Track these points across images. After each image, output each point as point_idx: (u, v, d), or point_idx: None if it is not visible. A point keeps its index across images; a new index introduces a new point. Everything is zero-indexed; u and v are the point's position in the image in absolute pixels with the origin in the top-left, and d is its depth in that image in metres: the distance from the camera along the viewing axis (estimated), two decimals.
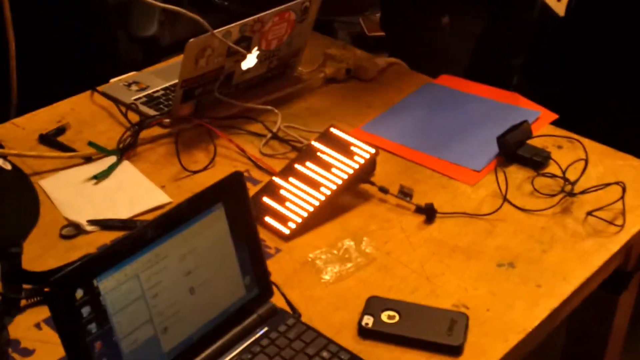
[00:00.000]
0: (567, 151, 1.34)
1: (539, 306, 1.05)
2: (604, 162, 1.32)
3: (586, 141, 1.35)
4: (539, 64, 1.90)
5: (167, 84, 1.54)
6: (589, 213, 1.20)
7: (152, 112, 1.44)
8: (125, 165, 1.32)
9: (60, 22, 1.75)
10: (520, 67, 1.93)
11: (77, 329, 0.84)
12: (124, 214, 1.20)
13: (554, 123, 1.42)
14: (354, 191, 1.25)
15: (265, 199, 1.22)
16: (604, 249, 1.15)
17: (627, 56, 1.67)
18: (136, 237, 0.89)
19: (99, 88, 1.52)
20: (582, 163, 1.26)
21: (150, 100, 1.49)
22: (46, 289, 0.82)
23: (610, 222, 1.19)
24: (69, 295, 0.83)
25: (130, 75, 1.58)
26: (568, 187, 1.24)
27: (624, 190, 1.21)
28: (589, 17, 1.77)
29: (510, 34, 1.87)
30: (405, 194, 1.23)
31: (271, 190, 1.23)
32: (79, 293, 0.84)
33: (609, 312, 1.32)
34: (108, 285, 0.86)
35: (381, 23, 2.00)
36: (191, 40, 1.30)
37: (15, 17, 1.56)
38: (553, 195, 1.24)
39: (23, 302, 1.04)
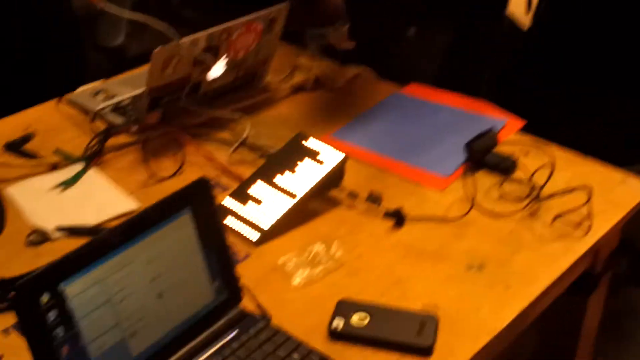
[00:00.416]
0: (534, 157, 1.36)
1: (507, 307, 1.05)
2: (571, 167, 1.33)
3: (553, 147, 1.37)
4: (507, 76, 1.92)
5: (133, 93, 1.52)
6: (556, 217, 1.21)
7: (119, 121, 1.43)
8: (92, 172, 1.31)
9: (28, 31, 1.74)
10: (488, 79, 1.95)
11: (43, 334, 0.83)
12: (91, 220, 1.19)
13: (523, 130, 1.44)
14: (324, 197, 1.25)
15: (234, 205, 1.21)
16: (570, 252, 1.16)
17: (593, 61, 1.70)
18: (102, 241, 0.88)
19: (66, 96, 1.51)
20: (549, 168, 1.28)
21: (117, 109, 1.48)
22: (12, 294, 0.81)
23: (577, 226, 1.20)
24: (35, 299, 0.82)
25: (97, 84, 1.57)
26: (535, 192, 1.25)
27: (590, 194, 1.23)
28: (555, 26, 1.80)
29: (477, 47, 1.89)
30: (374, 199, 1.24)
31: (240, 196, 1.23)
32: (45, 297, 0.83)
33: (579, 314, 1.33)
34: (74, 290, 0.85)
35: (350, 33, 2.01)
36: (158, 48, 1.30)
37: None
38: (520, 200, 1.25)
39: None
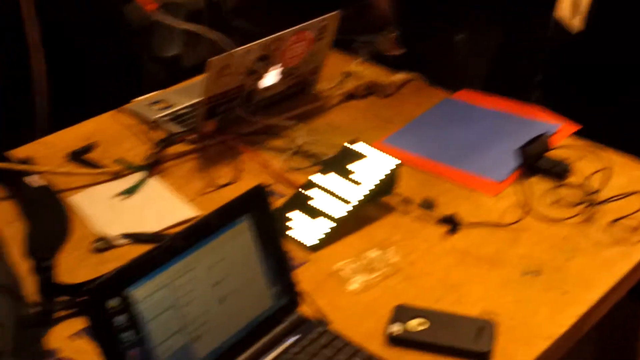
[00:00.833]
0: (588, 162, 1.35)
1: (565, 313, 1.06)
2: (626, 172, 1.33)
3: (608, 151, 1.36)
4: (557, 79, 1.91)
5: (190, 102, 1.56)
6: (612, 222, 1.21)
7: (177, 129, 1.47)
8: (153, 181, 1.34)
9: (85, 43, 1.79)
10: (539, 84, 1.94)
11: (112, 337, 0.85)
12: (152, 228, 1.22)
13: (577, 134, 1.44)
14: (378, 203, 1.27)
15: (290, 212, 1.23)
16: (628, 258, 1.16)
17: None
18: (166, 247, 0.91)
19: (124, 107, 1.55)
20: (603, 173, 1.27)
21: (175, 118, 1.51)
22: (81, 298, 0.84)
23: (634, 231, 1.20)
24: (104, 304, 0.85)
25: (154, 94, 1.61)
26: (590, 197, 1.25)
27: None
28: (605, 30, 1.78)
29: (526, 50, 1.89)
30: (428, 205, 1.25)
31: (296, 202, 1.25)
32: (114, 302, 0.86)
33: (637, 321, 1.32)
34: (141, 294, 0.88)
35: (399, 40, 2.02)
36: (213, 58, 1.33)
37: (42, 40, 1.60)
38: (575, 205, 1.25)
39: (58, 314, 1.05)
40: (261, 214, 1.00)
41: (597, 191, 1.25)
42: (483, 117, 1.52)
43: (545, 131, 1.39)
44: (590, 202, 1.24)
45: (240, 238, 0.98)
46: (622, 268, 1.14)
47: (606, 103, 1.63)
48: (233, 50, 1.35)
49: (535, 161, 1.33)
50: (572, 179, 1.31)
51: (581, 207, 1.24)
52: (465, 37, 2.01)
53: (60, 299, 1.06)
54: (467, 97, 1.59)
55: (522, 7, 1.78)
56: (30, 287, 1.07)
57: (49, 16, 1.66)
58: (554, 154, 1.36)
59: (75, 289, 1.07)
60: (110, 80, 1.84)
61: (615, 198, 1.23)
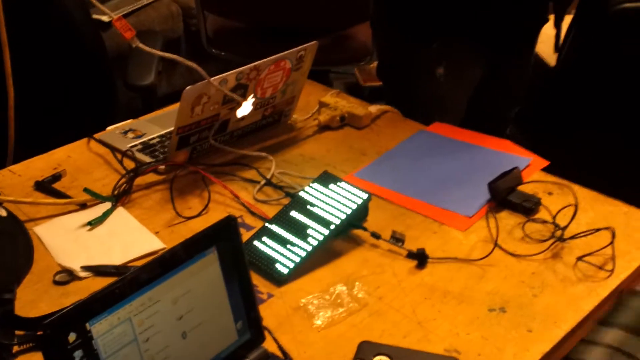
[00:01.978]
0: (557, 197, 1.36)
1: (530, 351, 1.05)
2: (595, 207, 1.33)
3: (576, 187, 1.37)
4: (532, 112, 1.92)
5: (163, 132, 1.56)
6: (579, 258, 1.21)
7: (147, 159, 1.46)
8: (120, 211, 1.33)
9: (59, 70, 1.78)
10: (514, 117, 1.96)
11: None
12: (117, 259, 1.21)
13: (546, 170, 1.44)
14: (347, 236, 1.26)
15: (258, 244, 1.23)
16: (594, 294, 1.16)
17: (618, 105, 1.70)
18: (129, 280, 0.90)
19: (96, 135, 1.55)
20: (572, 209, 1.28)
21: (146, 148, 1.51)
22: (39, 332, 0.83)
23: (600, 267, 1.20)
24: (62, 338, 0.83)
25: (127, 123, 1.61)
26: (558, 233, 1.25)
27: (613, 235, 1.22)
28: (579, 67, 1.80)
29: (508, 85, 1.90)
30: (397, 239, 1.24)
31: (264, 235, 1.24)
32: (72, 336, 0.84)
33: None
34: (101, 328, 0.86)
35: (377, 72, 2.03)
36: (188, 87, 1.32)
37: (14, 65, 1.59)
38: (543, 241, 1.25)
39: (15, 348, 1.04)
40: (230, 245, 0.99)
41: (565, 227, 1.25)
42: (455, 150, 1.53)
43: (517, 165, 1.39)
44: (559, 238, 1.24)
45: (207, 270, 0.97)
46: (588, 304, 1.14)
47: (576, 139, 1.64)
48: (209, 79, 1.34)
49: (507, 195, 1.34)
50: (540, 214, 1.31)
51: (549, 242, 1.24)
52: (443, 71, 2.03)
53: (19, 332, 1.04)
54: (440, 130, 1.60)
55: (508, 41, 1.80)
56: None
57: (23, 40, 1.66)
58: (524, 188, 1.36)
59: (34, 323, 1.05)
60: (84, 107, 1.83)
61: (583, 234, 1.24)
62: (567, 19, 1.98)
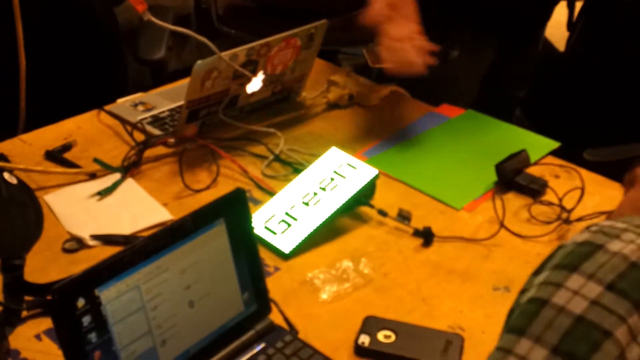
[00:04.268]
0: (564, 180, 1.36)
1: None
2: (600, 191, 1.34)
3: (583, 171, 1.37)
4: (540, 96, 1.92)
5: (172, 105, 1.56)
6: None
7: (157, 132, 1.47)
8: (129, 182, 1.34)
9: (71, 41, 1.78)
10: (522, 100, 1.96)
11: (77, 338, 0.85)
12: (126, 230, 1.22)
13: (553, 153, 1.45)
14: (354, 213, 1.27)
15: (266, 218, 1.23)
16: None
17: (626, 92, 1.69)
18: (138, 248, 0.90)
19: (106, 107, 1.55)
20: (579, 192, 1.28)
21: (156, 121, 1.51)
22: (48, 297, 0.84)
23: None
24: (71, 303, 0.84)
25: (137, 96, 1.61)
26: (564, 215, 1.26)
27: None
28: (588, 52, 1.79)
29: (517, 67, 1.90)
30: (403, 217, 1.25)
31: (272, 209, 1.25)
32: (81, 302, 0.85)
33: None
34: (109, 295, 0.87)
35: None
36: (199, 62, 1.33)
37: (27, 37, 1.60)
38: (549, 223, 1.25)
39: (24, 313, 1.05)
40: (238, 218, 1.00)
41: (571, 209, 1.26)
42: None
43: (524, 148, 1.39)
44: (565, 220, 1.25)
45: (215, 242, 0.98)
46: None
47: (584, 124, 1.64)
48: (219, 54, 1.34)
49: (514, 176, 1.34)
50: (546, 197, 1.32)
51: (555, 224, 1.25)
52: (457, 54, 2.02)
53: (28, 298, 1.06)
54: (449, 111, 1.60)
55: (517, 24, 1.79)
56: None
57: (36, 13, 1.66)
58: (531, 170, 1.36)
59: (43, 289, 1.06)
60: (95, 80, 1.83)
61: (588, 217, 1.24)
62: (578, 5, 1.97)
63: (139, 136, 1.45)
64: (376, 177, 1.27)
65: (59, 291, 0.84)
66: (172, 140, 1.44)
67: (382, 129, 1.53)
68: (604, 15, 1.67)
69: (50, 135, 1.47)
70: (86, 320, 0.85)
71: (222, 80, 1.40)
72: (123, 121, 1.50)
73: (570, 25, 1.82)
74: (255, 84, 1.49)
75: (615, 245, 0.69)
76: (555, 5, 1.81)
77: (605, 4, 1.66)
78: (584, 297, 0.66)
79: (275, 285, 1.10)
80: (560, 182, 1.35)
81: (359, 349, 1.01)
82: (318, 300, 1.11)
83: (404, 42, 1.41)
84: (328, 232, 1.23)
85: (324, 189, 1.26)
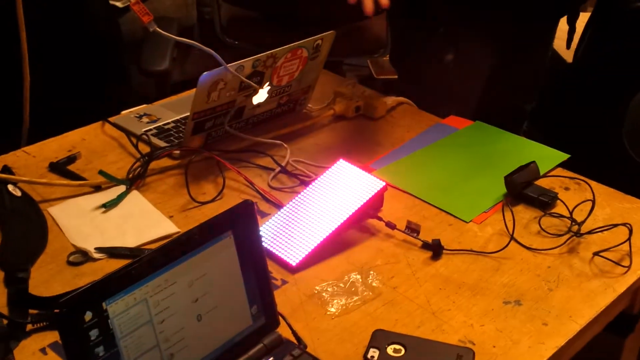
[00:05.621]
0: (574, 192, 1.35)
1: (545, 344, 1.04)
2: (611, 204, 1.32)
3: (593, 183, 1.36)
4: (548, 109, 1.91)
5: (177, 117, 1.55)
6: (596, 253, 1.20)
7: (162, 144, 1.46)
8: (134, 194, 1.33)
9: (74, 54, 1.78)
10: (530, 113, 1.94)
11: (84, 351, 0.84)
12: (131, 242, 1.21)
13: (563, 165, 1.43)
14: (361, 226, 1.26)
15: (273, 231, 1.22)
16: (610, 290, 1.15)
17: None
18: (147, 261, 0.89)
19: (111, 119, 1.54)
20: (589, 204, 1.27)
21: (161, 132, 1.50)
22: (56, 310, 0.82)
23: (617, 263, 1.19)
24: (78, 317, 0.83)
25: (142, 107, 1.60)
26: (575, 228, 1.24)
27: (630, 231, 1.21)
28: (595, 64, 1.79)
29: (521, 78, 1.89)
30: (412, 229, 1.24)
31: (279, 222, 1.24)
32: (88, 315, 0.84)
33: (615, 355, 1.31)
34: (117, 308, 0.86)
35: (391, 59, 2.02)
36: (205, 73, 1.32)
37: (30, 49, 1.59)
38: (560, 235, 1.24)
39: (29, 327, 1.04)
40: (246, 230, 0.99)
41: (582, 222, 1.25)
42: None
43: (534, 160, 1.38)
44: (575, 232, 1.24)
45: (223, 254, 0.96)
46: (603, 300, 1.13)
47: (594, 137, 1.63)
48: (225, 66, 1.34)
49: (523, 189, 1.33)
50: (557, 209, 1.31)
51: (566, 237, 1.23)
52: (452, 57, 2.01)
53: (32, 311, 1.04)
54: (456, 123, 1.59)
55: (520, 34, 1.78)
56: (0, 298, 1.05)
57: (39, 23, 1.65)
58: (540, 183, 1.35)
59: (48, 302, 1.05)
60: (98, 92, 1.83)
61: (599, 230, 1.23)
62: (583, 18, 1.97)
63: (144, 148, 1.44)
64: (384, 189, 1.26)
65: (66, 304, 0.82)
66: (177, 152, 1.43)
67: (389, 141, 1.52)
68: (613, 25, 1.67)
69: (54, 147, 1.46)
70: (94, 333, 0.84)
71: (228, 92, 1.40)
72: (128, 133, 1.49)
73: (569, 43, 1.81)
74: (261, 96, 1.48)
75: None
76: (560, 17, 1.80)
77: (613, 14, 1.65)
78: None
79: (283, 299, 1.08)
80: (571, 194, 1.34)
81: None
82: (326, 313, 1.09)
83: None
84: (336, 244, 1.21)
85: (331, 202, 1.25)
